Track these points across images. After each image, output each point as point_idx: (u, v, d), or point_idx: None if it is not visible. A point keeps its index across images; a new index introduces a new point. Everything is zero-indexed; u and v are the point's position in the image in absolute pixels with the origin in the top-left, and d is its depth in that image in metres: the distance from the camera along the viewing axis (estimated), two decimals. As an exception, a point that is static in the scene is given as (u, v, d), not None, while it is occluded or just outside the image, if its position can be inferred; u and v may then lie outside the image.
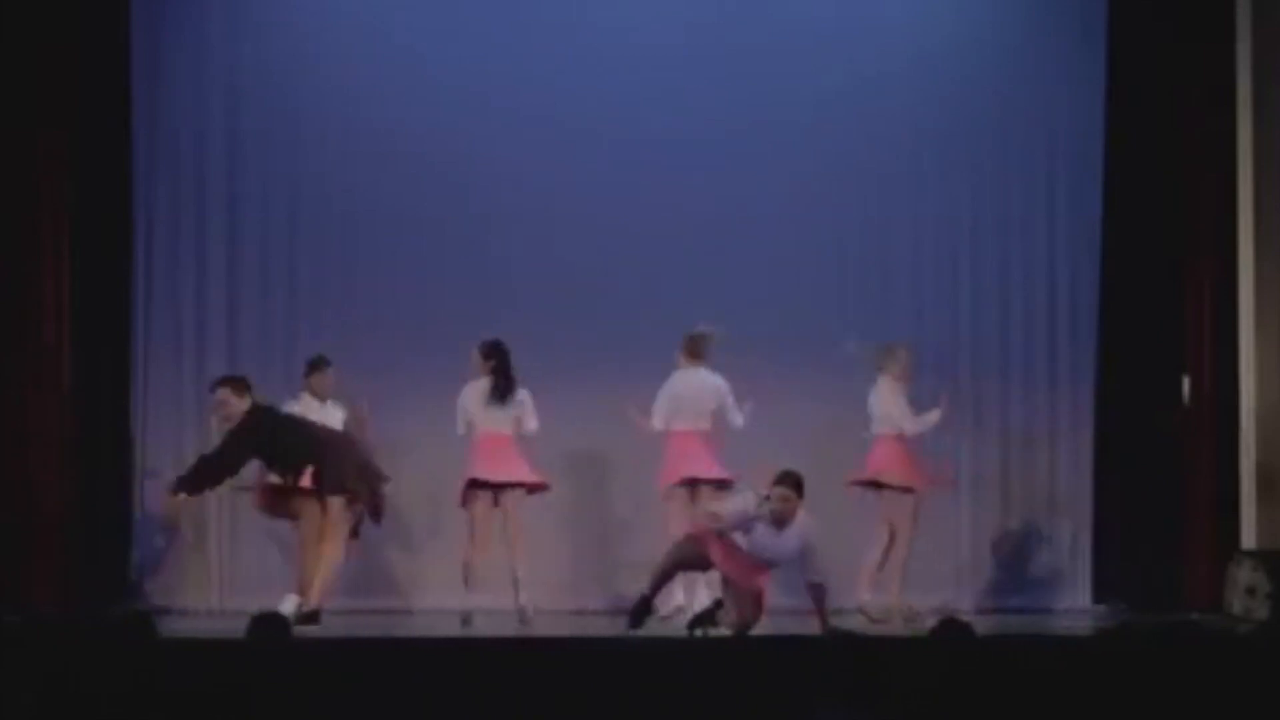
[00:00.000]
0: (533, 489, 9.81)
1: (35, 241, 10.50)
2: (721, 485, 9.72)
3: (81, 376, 10.58)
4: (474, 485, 9.70)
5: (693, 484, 9.85)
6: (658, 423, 9.93)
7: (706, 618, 9.00)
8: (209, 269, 11.03)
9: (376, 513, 9.24)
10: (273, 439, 9.05)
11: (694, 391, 9.95)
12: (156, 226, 11.00)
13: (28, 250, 10.49)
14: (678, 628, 9.11)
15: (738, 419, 9.94)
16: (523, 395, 9.82)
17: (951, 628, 5.85)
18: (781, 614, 9.67)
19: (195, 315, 10.97)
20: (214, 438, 9.50)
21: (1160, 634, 5.52)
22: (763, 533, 8.68)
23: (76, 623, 8.12)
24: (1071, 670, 7.01)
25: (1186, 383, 10.96)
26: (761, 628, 9.09)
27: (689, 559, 8.90)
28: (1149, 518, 10.97)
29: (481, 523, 9.70)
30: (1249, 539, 10.60)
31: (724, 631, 8.82)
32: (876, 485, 10.12)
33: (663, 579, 8.94)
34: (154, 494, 10.37)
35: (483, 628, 9.39)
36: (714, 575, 9.15)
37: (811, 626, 9.13)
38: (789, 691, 6.91)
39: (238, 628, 6.16)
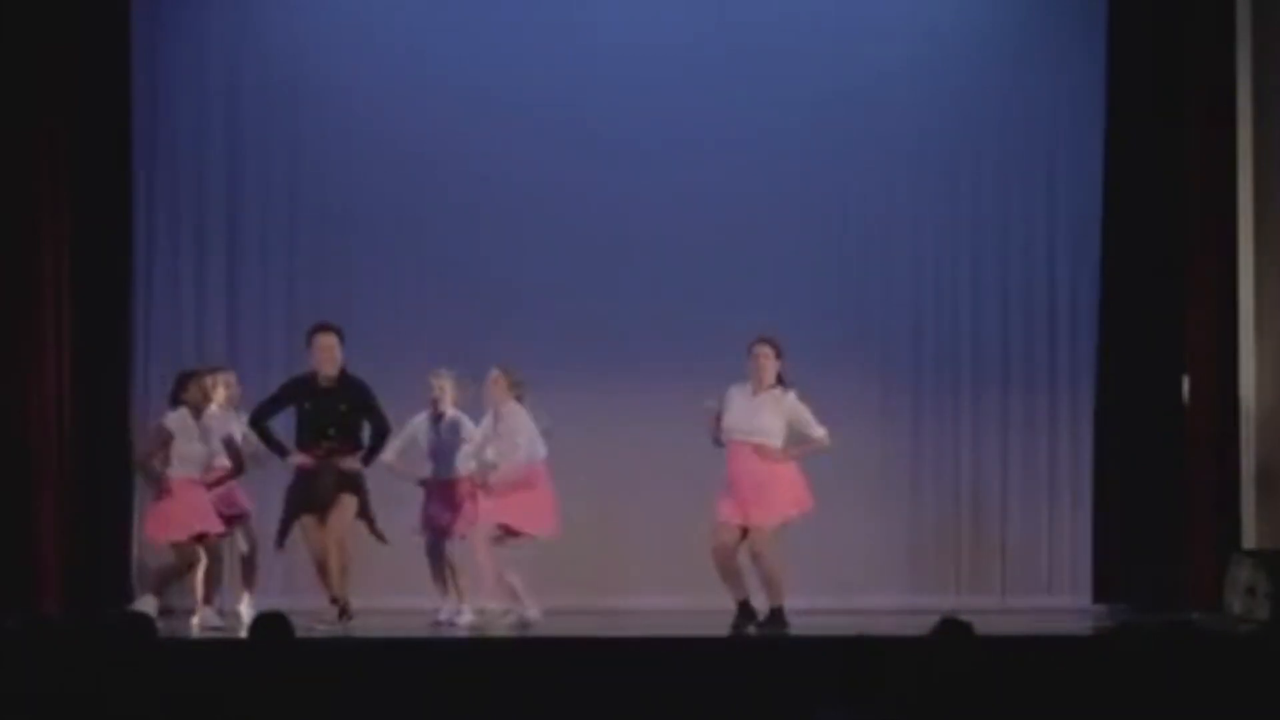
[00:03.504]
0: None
1: (35, 241, 10.49)
2: None
3: (81, 376, 10.58)
4: None
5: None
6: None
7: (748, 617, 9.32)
8: (209, 269, 11.04)
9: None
10: None
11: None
12: (156, 226, 11.01)
13: (28, 250, 10.48)
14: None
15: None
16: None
17: (951, 628, 5.84)
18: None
19: (195, 315, 10.97)
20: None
21: (1160, 634, 5.52)
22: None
23: (77, 624, 8.12)
24: (1071, 670, 7.03)
25: (1186, 383, 10.96)
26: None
27: (727, 545, 9.34)
28: (1149, 517, 10.96)
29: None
30: (1249, 539, 10.60)
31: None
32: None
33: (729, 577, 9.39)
34: None
35: (487, 628, 9.41)
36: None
37: (811, 626, 9.15)
38: (789, 691, 6.91)
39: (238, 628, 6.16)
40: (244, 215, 11.09)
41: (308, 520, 9.50)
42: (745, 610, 9.33)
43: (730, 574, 9.38)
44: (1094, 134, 11.27)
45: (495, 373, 9.67)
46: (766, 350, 9.43)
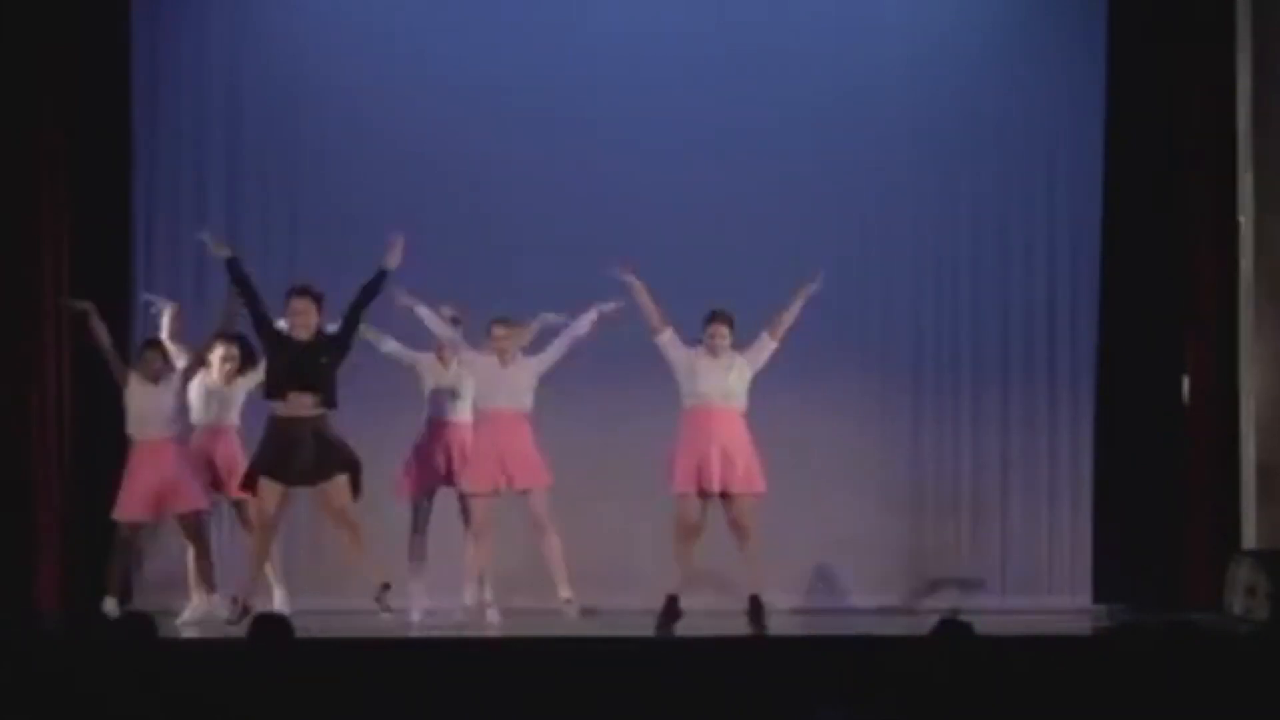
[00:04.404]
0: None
1: (35, 241, 10.50)
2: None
3: (81, 376, 10.58)
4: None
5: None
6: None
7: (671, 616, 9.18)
8: (209, 269, 11.03)
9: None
10: None
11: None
12: (156, 226, 11.02)
13: (28, 250, 10.49)
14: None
15: None
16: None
17: (951, 628, 5.84)
18: (781, 614, 9.69)
19: (195, 315, 10.96)
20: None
21: (1160, 634, 5.52)
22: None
23: (77, 624, 8.12)
24: (1071, 670, 7.02)
25: (1186, 383, 10.97)
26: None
27: (689, 523, 9.21)
28: (1149, 517, 10.97)
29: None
30: (1249, 539, 10.61)
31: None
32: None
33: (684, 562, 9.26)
34: None
35: (486, 627, 9.41)
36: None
37: (811, 626, 9.14)
38: (789, 691, 6.92)
39: (238, 628, 6.15)
40: (244, 215, 11.09)
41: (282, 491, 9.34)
42: (674, 606, 9.23)
43: (688, 556, 9.31)
44: (1094, 134, 11.27)
45: (500, 331, 9.78)
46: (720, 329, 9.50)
